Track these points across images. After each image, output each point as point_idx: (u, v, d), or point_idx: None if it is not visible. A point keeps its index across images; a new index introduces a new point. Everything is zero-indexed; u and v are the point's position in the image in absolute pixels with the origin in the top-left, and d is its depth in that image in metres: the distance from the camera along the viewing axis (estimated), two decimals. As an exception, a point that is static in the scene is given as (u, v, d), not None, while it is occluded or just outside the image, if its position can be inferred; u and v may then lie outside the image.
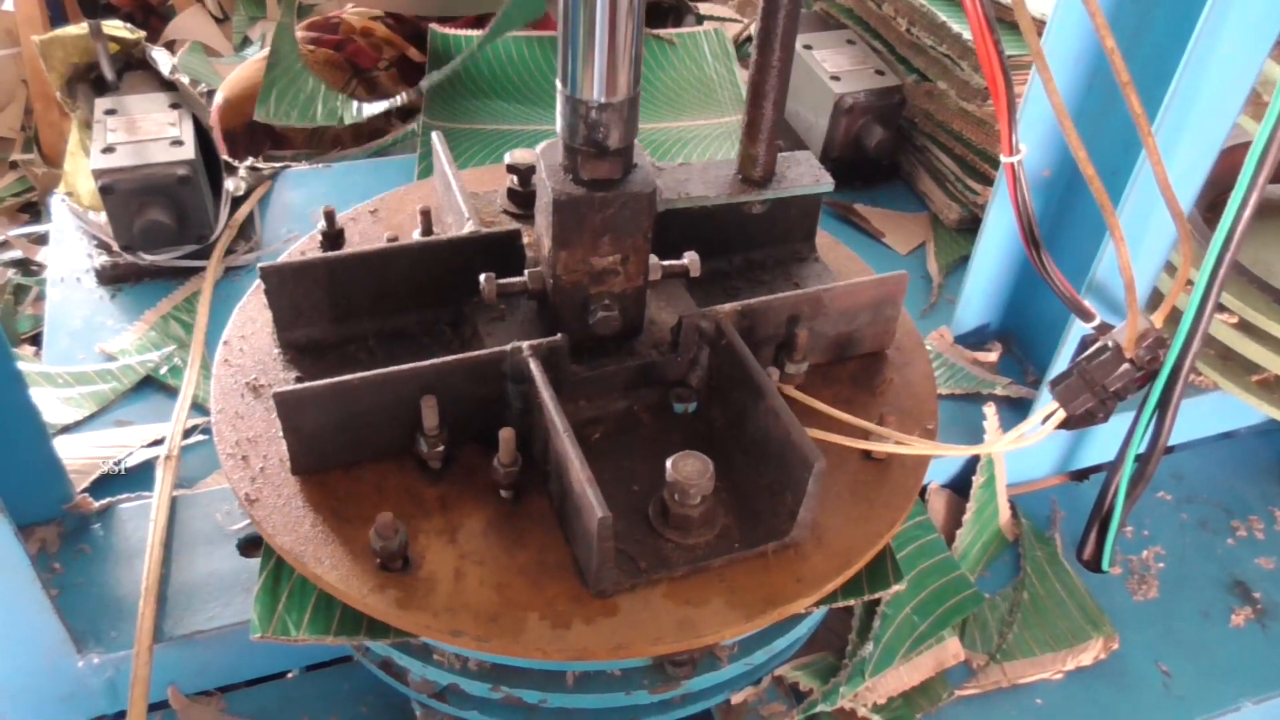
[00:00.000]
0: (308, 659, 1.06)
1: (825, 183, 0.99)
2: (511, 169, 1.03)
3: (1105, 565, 1.18)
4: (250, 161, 1.67)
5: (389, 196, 1.11)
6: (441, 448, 0.83)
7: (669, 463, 0.79)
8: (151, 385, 1.34)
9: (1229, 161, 1.50)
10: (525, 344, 0.83)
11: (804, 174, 0.99)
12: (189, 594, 1.04)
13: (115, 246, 1.44)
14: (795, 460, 0.79)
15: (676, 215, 0.97)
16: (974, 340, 1.38)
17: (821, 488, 0.80)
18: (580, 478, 0.74)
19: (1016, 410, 1.28)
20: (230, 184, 1.56)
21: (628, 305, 0.88)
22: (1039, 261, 0.93)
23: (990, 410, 1.24)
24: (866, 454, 0.89)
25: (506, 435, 0.81)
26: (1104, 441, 1.31)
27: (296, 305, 0.90)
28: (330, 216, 0.99)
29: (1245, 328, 1.24)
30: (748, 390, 0.85)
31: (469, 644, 0.75)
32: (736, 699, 1.04)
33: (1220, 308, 1.24)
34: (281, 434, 0.82)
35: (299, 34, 2.09)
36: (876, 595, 0.90)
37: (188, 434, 1.24)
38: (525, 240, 0.96)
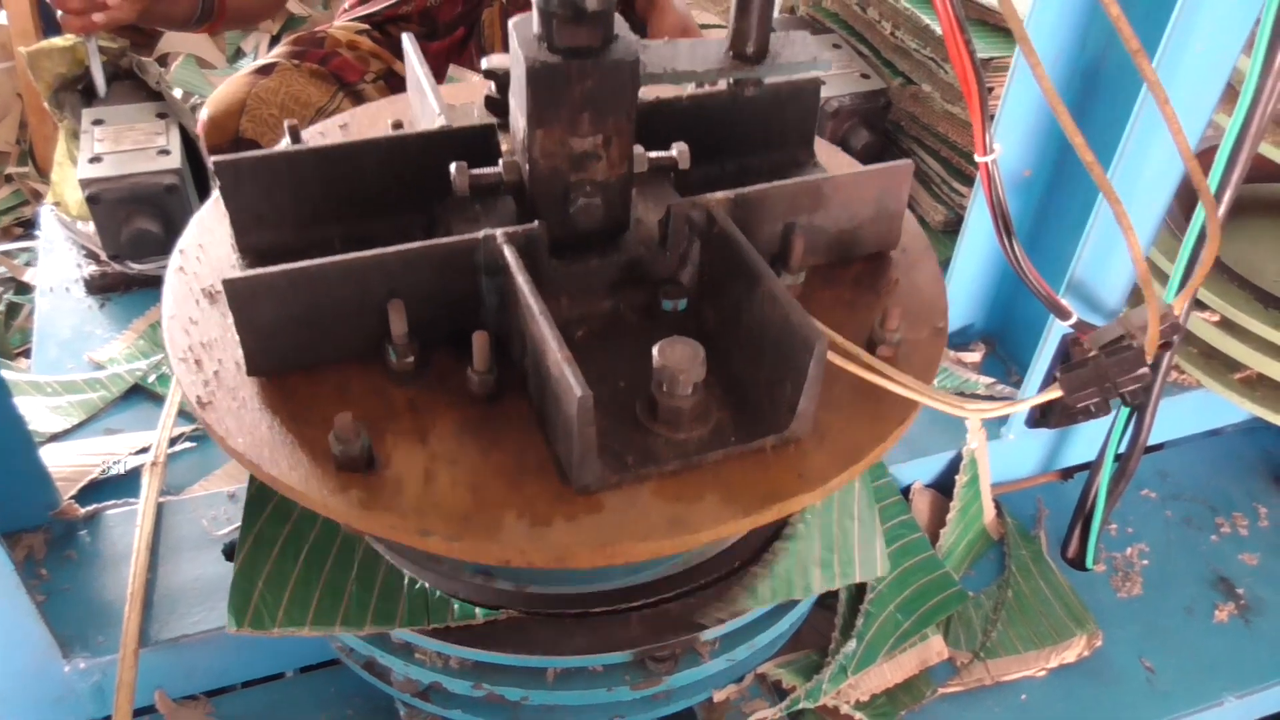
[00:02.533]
0: (294, 662, 1.06)
1: (824, 60, 0.88)
2: (489, 74, 0.94)
3: (1089, 563, 1.19)
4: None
5: (359, 111, 1.03)
6: (411, 359, 0.74)
7: (656, 349, 0.70)
8: (140, 393, 1.31)
9: (1209, 163, 1.51)
10: (499, 230, 0.75)
11: (800, 51, 0.87)
12: (175, 599, 1.01)
13: (103, 256, 1.41)
14: (795, 344, 0.70)
15: (665, 115, 0.89)
16: (958, 341, 1.36)
17: (824, 381, 0.71)
18: (558, 359, 0.65)
19: None
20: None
21: (612, 196, 0.79)
22: (1015, 261, 0.94)
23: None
24: (872, 352, 0.80)
25: (480, 339, 0.73)
26: (1087, 440, 1.26)
27: (256, 206, 0.81)
28: (295, 131, 0.89)
29: (1227, 325, 1.23)
30: (742, 278, 0.76)
31: (439, 545, 0.67)
32: (719, 696, 1.00)
33: (1201, 305, 1.25)
34: (238, 337, 0.73)
35: (284, 48, 2.10)
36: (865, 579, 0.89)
37: (174, 441, 1.25)
38: (503, 147, 0.86)
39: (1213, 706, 1.11)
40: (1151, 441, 1.27)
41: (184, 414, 1.23)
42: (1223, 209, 0.98)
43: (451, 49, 2.12)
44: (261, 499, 0.93)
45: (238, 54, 2.85)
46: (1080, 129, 1.13)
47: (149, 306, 1.42)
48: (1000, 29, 1.47)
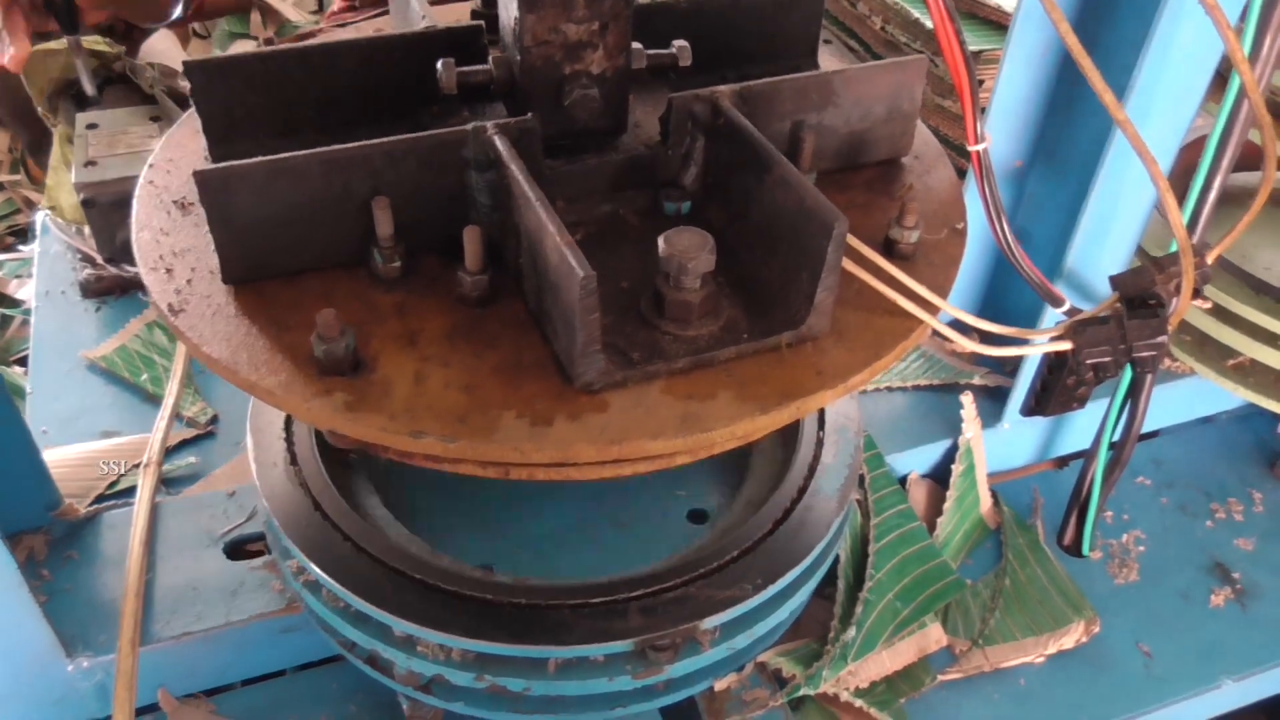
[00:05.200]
0: (297, 659, 1.07)
1: None
2: None
3: (1085, 550, 1.19)
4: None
5: (341, 31, 1.01)
6: (398, 262, 0.70)
7: (661, 239, 0.65)
8: (136, 394, 1.32)
9: (1198, 153, 1.51)
10: (490, 122, 0.69)
11: None
12: (176, 597, 1.01)
13: (99, 260, 1.42)
14: (812, 228, 0.64)
15: (663, 17, 0.85)
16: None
17: (841, 276, 0.67)
18: (557, 243, 0.60)
19: (994, 399, 1.23)
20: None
21: (609, 89, 0.74)
22: (1008, 249, 0.95)
23: (967, 399, 1.20)
24: (889, 251, 0.77)
25: (472, 234, 0.67)
26: (1082, 428, 1.26)
27: (229, 112, 0.76)
28: (270, 43, 0.87)
29: (1220, 313, 1.24)
30: (751, 168, 0.71)
31: (433, 446, 0.62)
32: (720, 685, 1.00)
33: (1194, 293, 1.26)
34: (212, 242, 0.68)
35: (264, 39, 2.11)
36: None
37: (173, 450, 1.26)
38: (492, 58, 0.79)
39: (1210, 690, 1.11)
40: (1146, 429, 1.28)
41: (181, 418, 1.24)
42: (1213, 194, 0.99)
43: None
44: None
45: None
46: (1072, 122, 1.15)
47: (145, 309, 1.42)
48: (990, 22, 1.48)
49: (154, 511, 1.07)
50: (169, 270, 0.71)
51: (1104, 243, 1.09)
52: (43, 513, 1.07)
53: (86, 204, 1.32)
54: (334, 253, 0.71)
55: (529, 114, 0.71)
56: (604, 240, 0.75)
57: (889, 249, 0.76)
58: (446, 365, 0.66)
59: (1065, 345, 0.86)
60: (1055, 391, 1.16)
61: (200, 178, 0.65)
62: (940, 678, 1.09)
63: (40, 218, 1.55)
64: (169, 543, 1.06)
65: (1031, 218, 1.22)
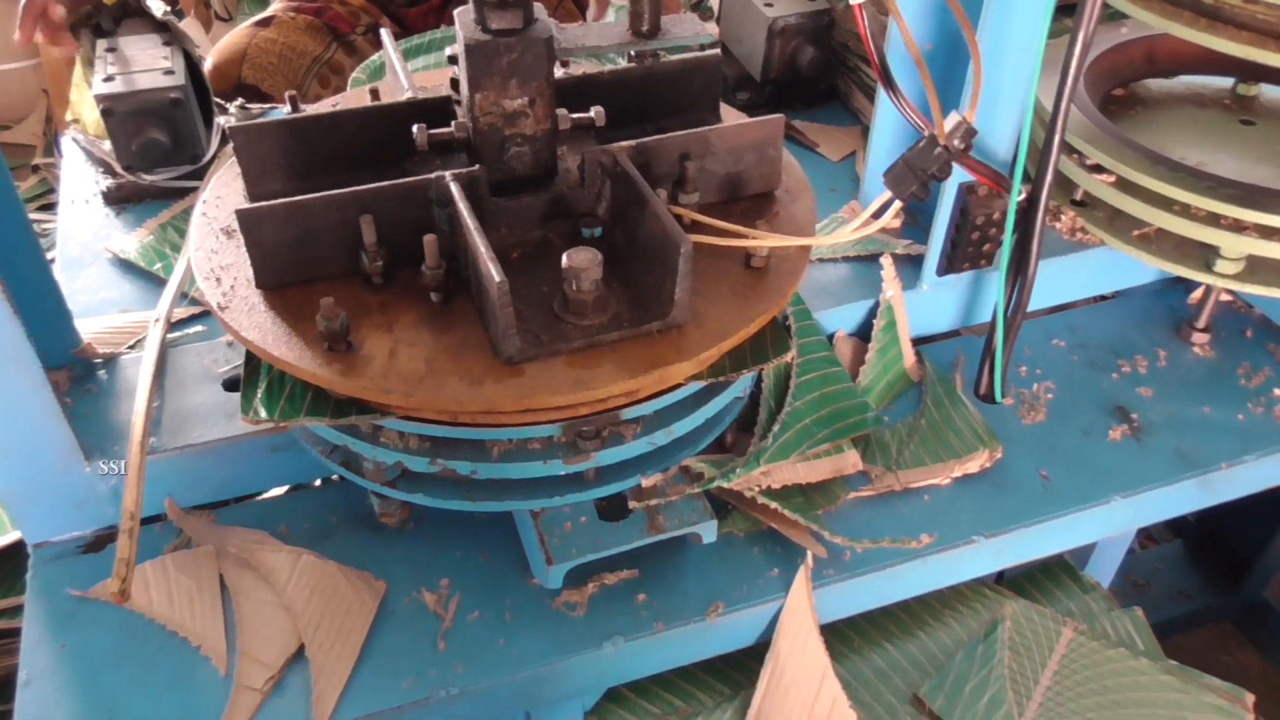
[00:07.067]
0: (285, 479, 1.24)
1: (705, 33, 1.12)
2: (453, 59, 1.11)
3: (998, 398, 1.34)
4: (240, 101, 1.87)
5: (350, 93, 1.29)
6: (381, 263, 1.00)
7: (565, 255, 0.95)
8: (153, 281, 1.51)
9: (1125, 55, 1.66)
10: (448, 172, 1.00)
11: (687, 28, 1.12)
12: (180, 419, 1.19)
13: (118, 169, 1.65)
14: (669, 248, 0.94)
15: (592, 86, 1.13)
16: (881, 212, 1.53)
17: (696, 274, 0.95)
18: (485, 259, 0.90)
19: (914, 265, 1.41)
20: (221, 120, 1.76)
21: (539, 146, 1.05)
22: (891, 91, 1.11)
23: (887, 260, 1.38)
24: (748, 264, 1.04)
25: (430, 241, 0.98)
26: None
27: (262, 162, 1.07)
28: (294, 101, 1.13)
29: (1123, 185, 1.39)
30: (637, 204, 1.00)
31: (398, 400, 0.93)
32: (647, 483, 1.13)
33: (1100, 169, 1.40)
34: (249, 259, 0.98)
35: (281, 2, 2.29)
36: (760, 365, 1.04)
37: (181, 323, 1.44)
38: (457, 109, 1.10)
39: (1101, 504, 1.26)
40: (1059, 301, 1.43)
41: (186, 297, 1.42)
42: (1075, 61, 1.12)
43: (430, 14, 2.30)
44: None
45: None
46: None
47: (162, 211, 1.61)
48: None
49: (163, 355, 1.23)
50: (218, 279, 1.02)
51: (996, 107, 1.23)
52: (65, 352, 1.25)
53: (106, 113, 1.52)
54: (336, 267, 1.02)
55: (478, 165, 1.03)
56: (535, 257, 1.06)
57: (746, 261, 1.06)
58: (413, 345, 0.97)
59: (887, 195, 1.11)
60: (961, 249, 1.30)
61: (240, 215, 0.96)
62: (853, 494, 1.23)
63: (66, 139, 1.73)
64: (175, 379, 1.25)
65: (941, 101, 1.36)
